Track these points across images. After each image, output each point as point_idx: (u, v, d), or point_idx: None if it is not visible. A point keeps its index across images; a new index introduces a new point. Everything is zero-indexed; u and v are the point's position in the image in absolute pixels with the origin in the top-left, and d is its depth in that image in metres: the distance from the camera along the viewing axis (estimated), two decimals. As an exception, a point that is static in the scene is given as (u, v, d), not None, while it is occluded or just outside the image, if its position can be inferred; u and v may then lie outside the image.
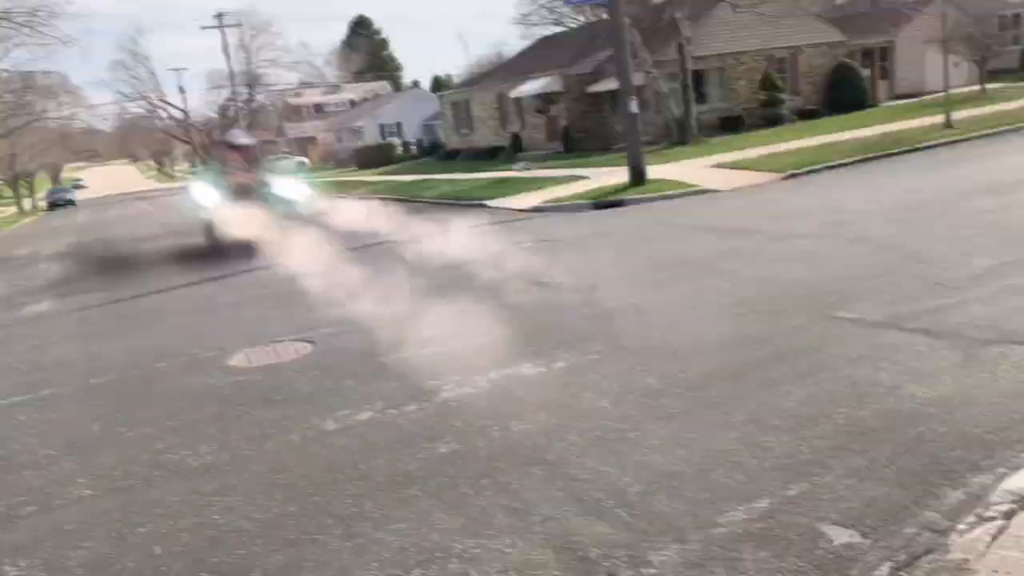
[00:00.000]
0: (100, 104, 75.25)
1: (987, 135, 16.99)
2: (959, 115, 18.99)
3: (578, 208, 15.36)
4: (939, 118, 18.76)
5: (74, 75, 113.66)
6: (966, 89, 25.52)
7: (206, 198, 15.14)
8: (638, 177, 16.21)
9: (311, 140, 74.56)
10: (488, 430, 4.66)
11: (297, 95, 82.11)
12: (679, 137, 25.78)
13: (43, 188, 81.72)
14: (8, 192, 75.37)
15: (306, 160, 71.28)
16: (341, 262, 12.08)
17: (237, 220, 13.86)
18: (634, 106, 16.20)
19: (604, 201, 15.38)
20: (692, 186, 15.45)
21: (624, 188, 16.22)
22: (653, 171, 17.16)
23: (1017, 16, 33.66)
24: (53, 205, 62.44)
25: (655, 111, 27.89)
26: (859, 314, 6.00)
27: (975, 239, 7.81)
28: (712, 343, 5.74)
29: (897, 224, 9.27)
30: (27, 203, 68.79)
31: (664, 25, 26.28)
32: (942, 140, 16.91)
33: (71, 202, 62.01)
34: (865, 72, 30.68)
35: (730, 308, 6.61)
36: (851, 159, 16.09)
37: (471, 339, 6.61)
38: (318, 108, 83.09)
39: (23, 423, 6.03)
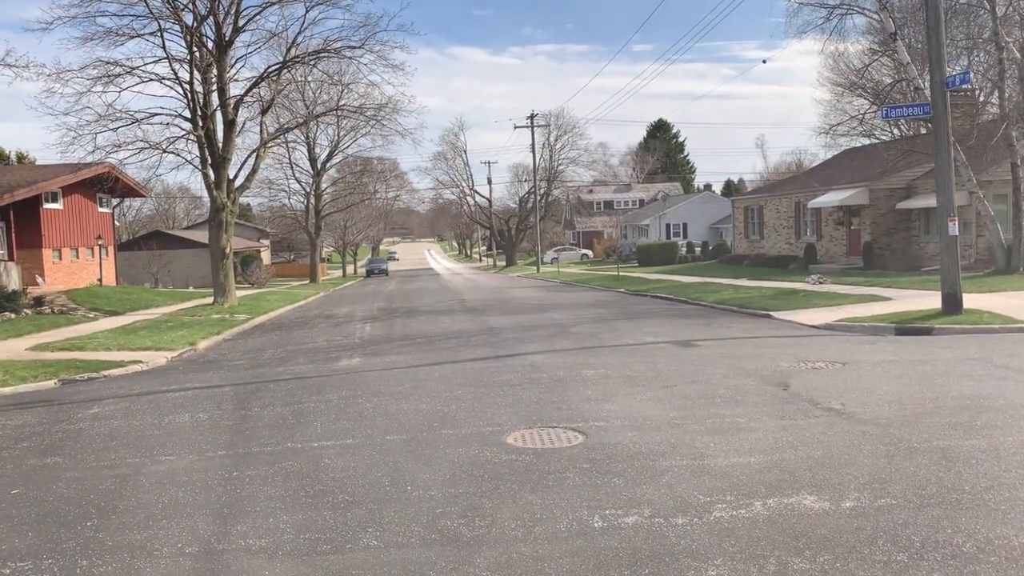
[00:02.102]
0: (421, 189, 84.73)
1: None
2: None
3: (877, 331, 14.11)
4: None
5: (403, 162, 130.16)
6: None
7: None
8: (952, 304, 14.57)
9: (597, 235, 77.43)
10: (763, 561, 4.33)
11: (590, 191, 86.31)
12: (1004, 264, 23.03)
13: (364, 256, 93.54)
14: (337, 257, 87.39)
15: (589, 252, 74.17)
16: (612, 357, 12.21)
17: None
18: (954, 228, 14.73)
19: (909, 327, 13.97)
20: (1020, 322, 13.53)
21: (935, 315, 14.64)
22: (970, 300, 15.36)
23: None
24: (370, 273, 70.45)
25: (976, 234, 25.40)
26: None
27: None
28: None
29: None
30: (350, 268, 79.11)
31: (994, 143, 23.92)
32: None
33: (384, 272, 69.21)
34: None
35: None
36: None
37: (748, 457, 6.30)
38: (608, 204, 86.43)
39: (327, 466, 6.75)
